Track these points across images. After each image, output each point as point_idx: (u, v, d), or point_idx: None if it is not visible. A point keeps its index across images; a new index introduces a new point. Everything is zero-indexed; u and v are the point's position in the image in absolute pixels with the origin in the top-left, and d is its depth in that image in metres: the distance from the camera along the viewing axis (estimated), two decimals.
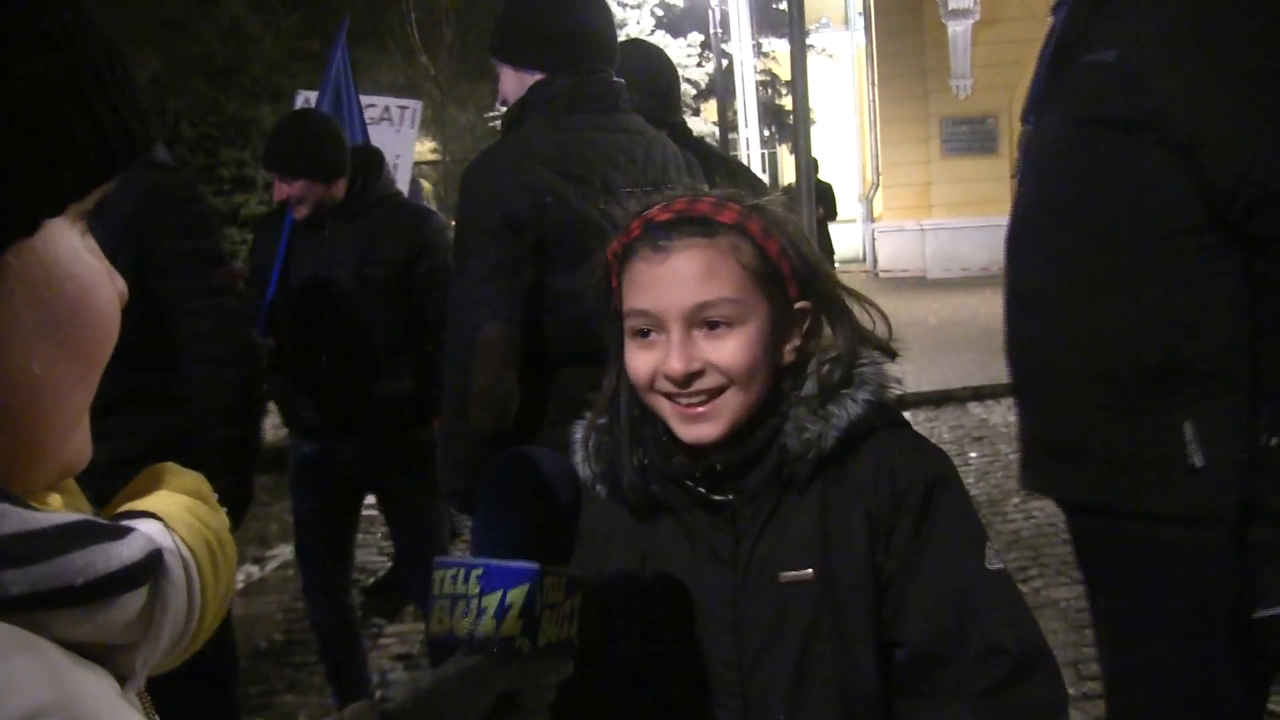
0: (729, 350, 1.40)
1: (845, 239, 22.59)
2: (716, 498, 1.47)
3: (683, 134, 3.54)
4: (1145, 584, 1.90)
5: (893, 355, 1.52)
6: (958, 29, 19.90)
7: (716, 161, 3.68)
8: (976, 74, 19.78)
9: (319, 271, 3.70)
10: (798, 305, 1.46)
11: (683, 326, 1.40)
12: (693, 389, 1.40)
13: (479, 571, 1.14)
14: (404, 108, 6.20)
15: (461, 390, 2.40)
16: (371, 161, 3.89)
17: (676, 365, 1.38)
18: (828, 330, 1.50)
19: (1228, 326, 1.79)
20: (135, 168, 2.66)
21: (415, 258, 3.72)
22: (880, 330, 1.53)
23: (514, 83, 2.63)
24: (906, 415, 7.64)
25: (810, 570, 1.44)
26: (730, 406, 1.42)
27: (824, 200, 15.00)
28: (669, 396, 1.42)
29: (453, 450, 2.49)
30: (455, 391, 2.43)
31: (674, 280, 1.40)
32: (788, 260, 1.43)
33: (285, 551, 6.22)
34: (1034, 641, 1.42)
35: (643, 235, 1.43)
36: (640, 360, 1.44)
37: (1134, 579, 1.92)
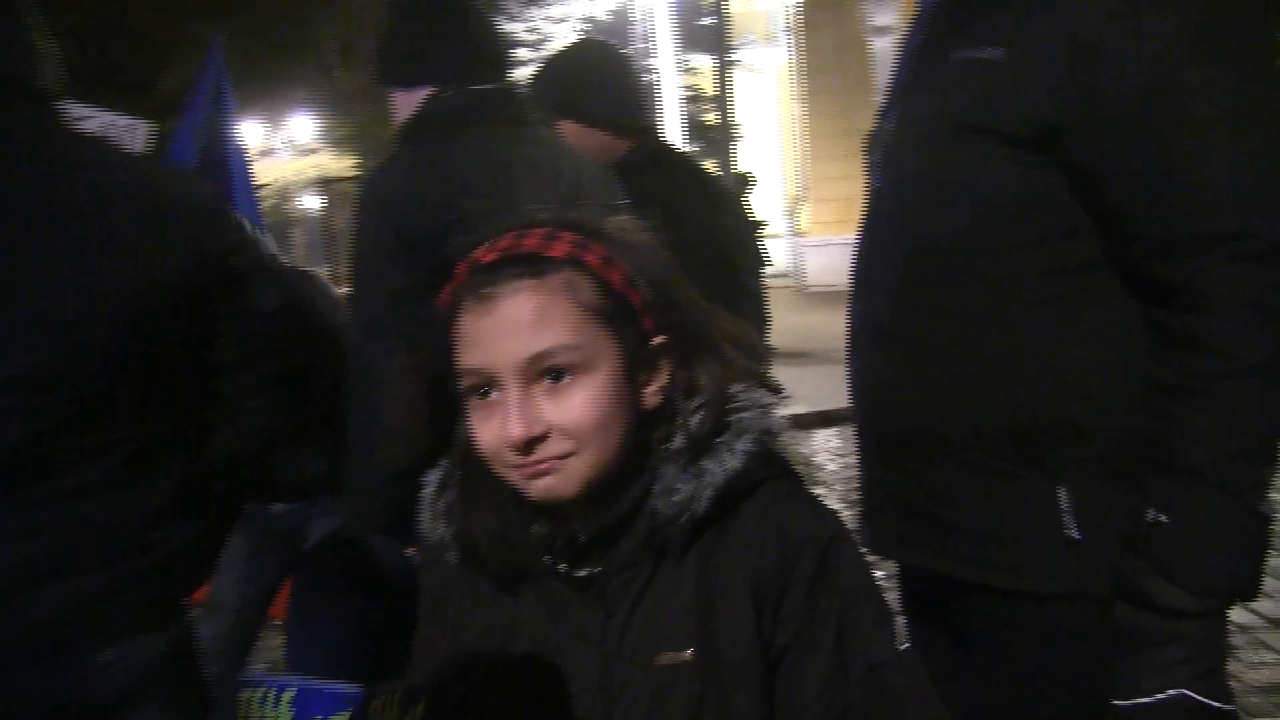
0: (575, 407, 1.23)
1: (771, 253, 22.69)
2: (580, 573, 1.30)
3: (653, 144, 3.32)
4: (1009, 669, 1.69)
5: (777, 391, 1.36)
6: (881, 45, 20.06)
7: (687, 177, 3.36)
8: None
9: None
10: (654, 341, 1.29)
11: (519, 383, 1.22)
12: (535, 456, 1.23)
13: (291, 693, 0.99)
14: (133, 127, 5.81)
15: (368, 424, 2.24)
16: None
17: (515, 430, 1.21)
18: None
19: (1116, 382, 1.57)
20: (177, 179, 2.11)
21: None
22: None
23: (407, 105, 2.50)
24: (835, 431, 7.51)
25: (690, 650, 1.26)
26: (580, 470, 1.24)
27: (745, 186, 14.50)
28: (515, 466, 1.25)
29: (362, 487, 2.31)
30: (361, 426, 2.27)
31: (502, 331, 1.23)
32: (636, 291, 1.27)
33: None
34: None
35: (468, 281, 1.27)
36: (484, 430, 1.26)
37: (997, 663, 1.71)
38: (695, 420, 1.28)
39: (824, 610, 1.28)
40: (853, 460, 7.40)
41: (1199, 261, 1.45)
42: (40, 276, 1.85)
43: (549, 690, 1.29)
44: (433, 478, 1.41)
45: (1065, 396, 1.58)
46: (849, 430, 9.30)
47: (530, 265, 1.24)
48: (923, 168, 1.70)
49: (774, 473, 1.33)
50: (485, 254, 1.27)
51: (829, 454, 8.53)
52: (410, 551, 2.08)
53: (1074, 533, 1.57)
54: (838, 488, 7.25)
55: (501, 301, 1.23)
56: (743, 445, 1.28)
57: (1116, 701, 1.51)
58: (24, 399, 1.84)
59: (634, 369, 1.28)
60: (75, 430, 1.88)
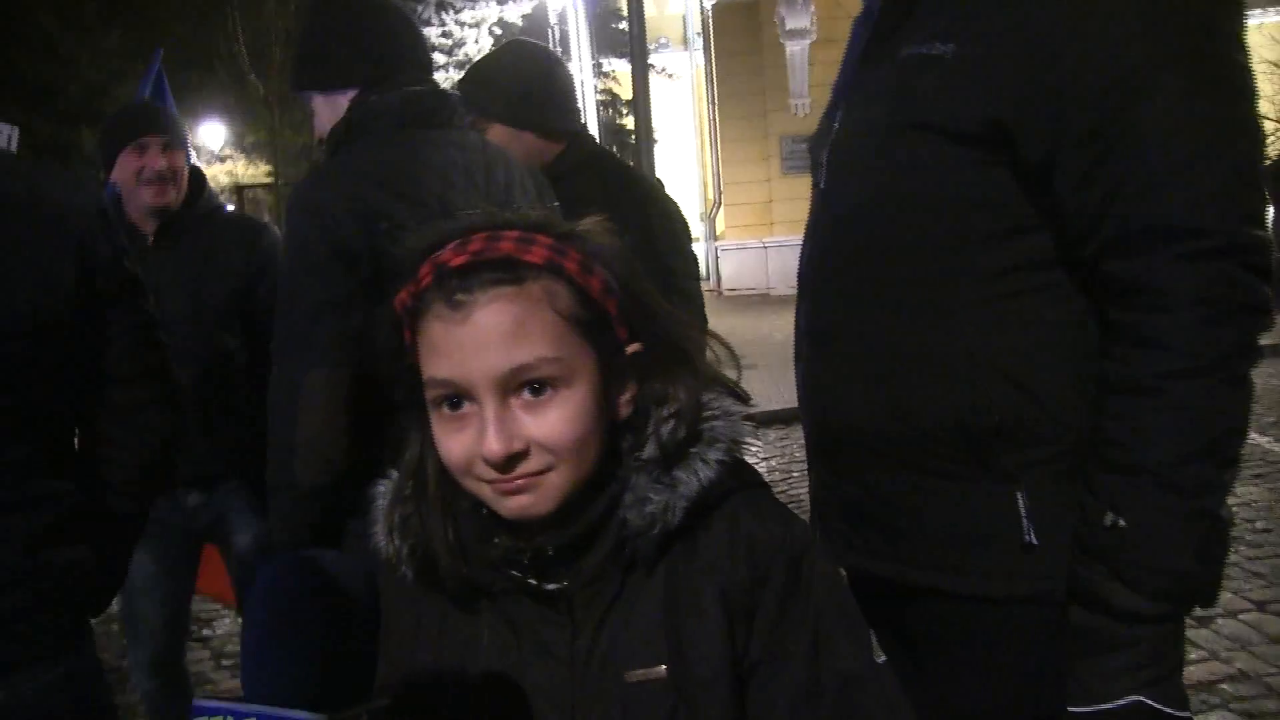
0: (553, 422, 1.16)
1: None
2: (549, 587, 1.23)
3: (585, 146, 3.26)
4: (962, 674, 1.66)
5: (745, 399, 1.31)
6: (795, 49, 20.23)
7: (620, 181, 3.29)
8: (814, 93, 20.07)
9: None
10: (629, 350, 1.23)
11: (496, 397, 1.15)
12: (515, 473, 1.15)
13: None
14: None
15: (286, 440, 2.16)
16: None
17: (495, 447, 1.13)
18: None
19: (1070, 381, 1.54)
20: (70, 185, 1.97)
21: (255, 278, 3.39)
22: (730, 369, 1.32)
23: (327, 110, 2.41)
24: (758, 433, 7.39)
25: (662, 668, 1.21)
26: (558, 485, 1.17)
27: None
28: (488, 481, 1.18)
29: (279, 504, 2.23)
30: (280, 441, 2.19)
31: (478, 342, 1.14)
32: (613, 299, 1.20)
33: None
34: None
35: (435, 285, 1.17)
36: (454, 443, 1.18)
37: (950, 667, 1.67)
38: (667, 429, 1.23)
39: (797, 623, 1.24)
40: (776, 464, 7.47)
41: (1153, 258, 1.43)
42: None
43: (516, 709, 1.24)
44: (383, 490, 1.33)
45: (1018, 397, 1.55)
46: (771, 434, 9.31)
47: (507, 271, 1.16)
48: (869, 166, 1.66)
49: (744, 482, 1.28)
50: (454, 256, 1.17)
51: (751, 458, 8.48)
52: None
53: (1031, 536, 1.54)
54: None
55: (477, 310, 1.15)
56: (715, 454, 1.24)
57: (1072, 708, 1.49)
58: None
59: (610, 379, 1.22)
60: None
